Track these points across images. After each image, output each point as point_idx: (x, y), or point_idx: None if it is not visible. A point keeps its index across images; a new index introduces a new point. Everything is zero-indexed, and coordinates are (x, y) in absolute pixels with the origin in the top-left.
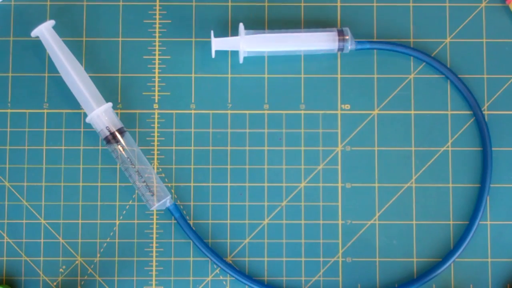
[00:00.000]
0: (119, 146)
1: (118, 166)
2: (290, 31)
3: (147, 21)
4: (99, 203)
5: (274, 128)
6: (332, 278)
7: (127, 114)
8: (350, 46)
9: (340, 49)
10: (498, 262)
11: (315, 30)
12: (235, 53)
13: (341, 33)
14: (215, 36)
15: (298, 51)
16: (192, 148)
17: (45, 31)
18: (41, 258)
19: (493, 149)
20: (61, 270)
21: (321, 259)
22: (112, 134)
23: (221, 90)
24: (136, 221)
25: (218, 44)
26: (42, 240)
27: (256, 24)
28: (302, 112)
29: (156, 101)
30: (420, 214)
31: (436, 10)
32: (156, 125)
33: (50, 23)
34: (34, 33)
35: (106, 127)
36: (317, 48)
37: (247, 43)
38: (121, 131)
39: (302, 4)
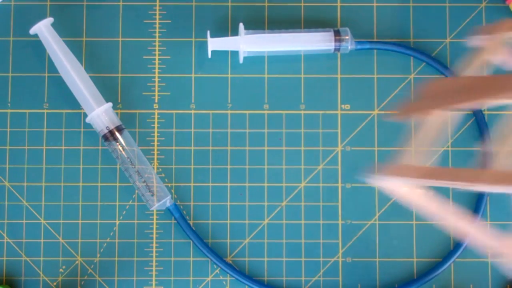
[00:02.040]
0: (119, 146)
1: (118, 166)
2: (289, 31)
3: (147, 21)
4: (99, 203)
5: (274, 128)
6: (332, 278)
7: (127, 114)
8: (350, 46)
9: (337, 49)
10: (498, 262)
11: (314, 31)
12: (235, 53)
13: (337, 33)
14: (216, 36)
15: (296, 51)
16: (192, 148)
17: (43, 29)
18: (41, 258)
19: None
20: (61, 270)
21: (321, 259)
22: (110, 131)
23: (221, 90)
24: (136, 221)
25: (217, 44)
26: (42, 240)
27: (256, 24)
28: (302, 112)
29: (156, 101)
30: (420, 214)
31: (436, 10)
32: (156, 125)
33: (49, 20)
34: (33, 30)
35: (106, 127)
36: (314, 48)
37: (244, 43)
38: (119, 129)
39: (302, 4)
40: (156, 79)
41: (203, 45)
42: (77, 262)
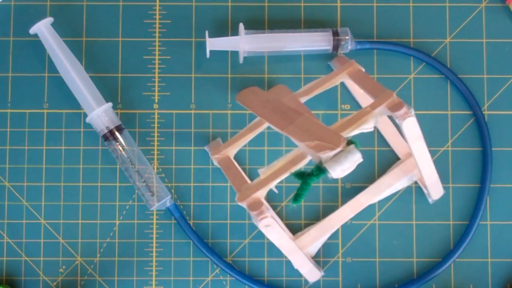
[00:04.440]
0: (118, 146)
1: (118, 166)
2: (289, 31)
3: (147, 21)
4: (99, 203)
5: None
6: (332, 278)
7: (127, 114)
8: (350, 46)
9: (335, 49)
10: (498, 262)
11: (313, 31)
12: (235, 53)
13: (336, 33)
14: (216, 36)
15: (296, 51)
16: (192, 148)
17: (43, 28)
18: (41, 258)
19: (493, 149)
20: (61, 270)
21: (321, 259)
22: (110, 131)
23: (221, 90)
24: (136, 221)
25: (217, 44)
26: (42, 240)
27: (256, 24)
28: None
29: (156, 101)
30: (420, 214)
31: (436, 10)
32: (156, 125)
33: (49, 20)
34: (33, 30)
35: (106, 127)
36: (312, 48)
37: (244, 43)
38: (119, 129)
39: (302, 4)
40: (156, 79)
41: (203, 45)
42: (77, 262)
